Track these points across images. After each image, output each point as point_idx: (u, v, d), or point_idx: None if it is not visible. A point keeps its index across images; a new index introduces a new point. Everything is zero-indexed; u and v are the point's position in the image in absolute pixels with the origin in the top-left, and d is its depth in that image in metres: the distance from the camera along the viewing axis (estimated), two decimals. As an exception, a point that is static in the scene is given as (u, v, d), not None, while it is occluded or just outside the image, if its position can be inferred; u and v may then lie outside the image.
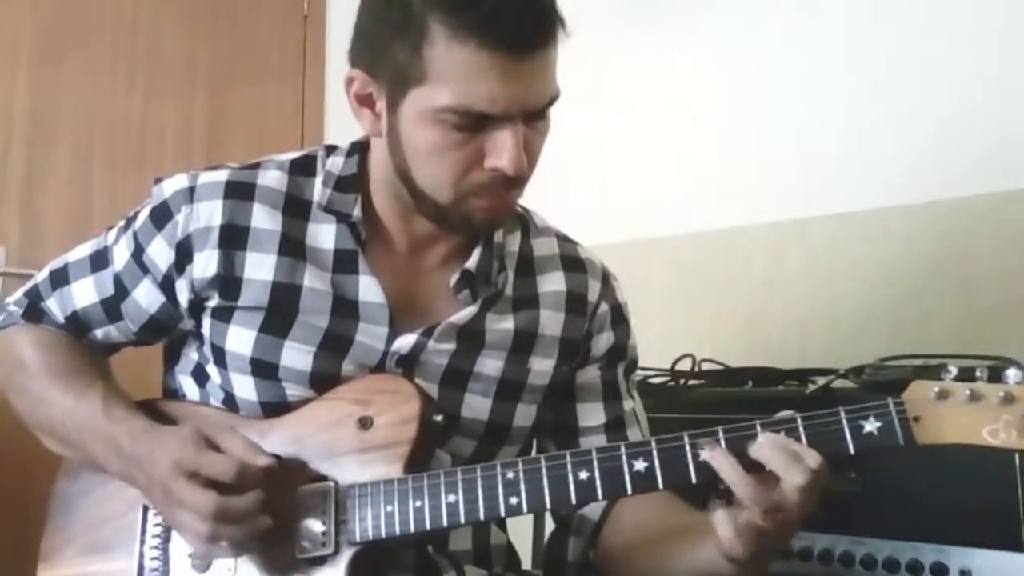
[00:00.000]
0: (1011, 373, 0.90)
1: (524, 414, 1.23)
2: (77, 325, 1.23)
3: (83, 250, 1.25)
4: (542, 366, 1.23)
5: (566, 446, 1.20)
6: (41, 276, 1.26)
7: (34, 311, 1.24)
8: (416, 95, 1.04)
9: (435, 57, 1.02)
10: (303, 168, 1.20)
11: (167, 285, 1.17)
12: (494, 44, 1.00)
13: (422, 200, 1.11)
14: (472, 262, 1.18)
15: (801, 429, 0.96)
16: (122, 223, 1.24)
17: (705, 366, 1.74)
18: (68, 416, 1.17)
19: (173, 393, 1.26)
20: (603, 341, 1.27)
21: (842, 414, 0.95)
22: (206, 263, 1.14)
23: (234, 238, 1.15)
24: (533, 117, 1.06)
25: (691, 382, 1.70)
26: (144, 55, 2.80)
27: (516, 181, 1.07)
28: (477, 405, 1.19)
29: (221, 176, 1.17)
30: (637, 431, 1.28)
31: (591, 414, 1.26)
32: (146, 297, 1.19)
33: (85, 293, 1.22)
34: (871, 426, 0.94)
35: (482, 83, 1.01)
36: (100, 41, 2.74)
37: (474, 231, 1.16)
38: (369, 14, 1.09)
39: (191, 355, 1.23)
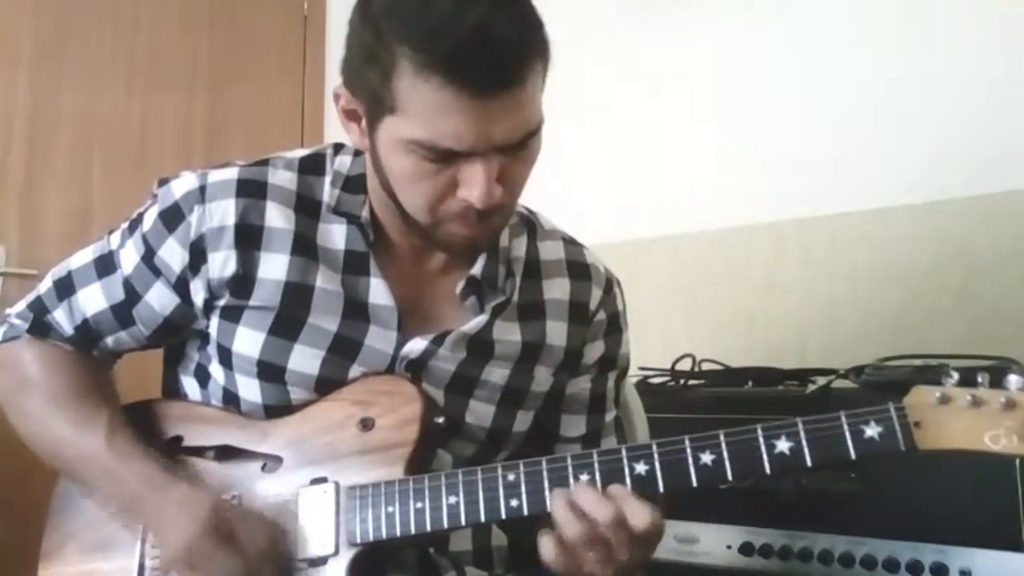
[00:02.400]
0: (1012, 379, 0.90)
1: (524, 419, 1.23)
2: (87, 334, 1.21)
3: (85, 256, 1.22)
4: (545, 375, 1.23)
5: (542, 450, 1.21)
6: (44, 286, 1.22)
7: (40, 325, 1.21)
8: (389, 123, 1.02)
9: (402, 89, 0.99)
10: (312, 167, 1.19)
11: (181, 286, 1.16)
12: (458, 83, 0.96)
13: (407, 218, 1.10)
14: (477, 269, 1.17)
15: (802, 433, 0.96)
16: (125, 226, 1.21)
17: (705, 366, 1.74)
18: (69, 445, 1.15)
19: (175, 393, 1.25)
20: (594, 351, 1.26)
21: (843, 419, 0.94)
22: (223, 263, 1.13)
23: (249, 237, 1.13)
24: (512, 148, 1.03)
25: (691, 382, 1.71)
26: (144, 55, 2.80)
27: (492, 211, 1.05)
28: (481, 411, 1.19)
29: (231, 174, 1.15)
30: (612, 440, 1.29)
31: (573, 425, 1.27)
32: (159, 300, 1.17)
33: (94, 300, 1.19)
34: (872, 431, 0.93)
35: (447, 121, 0.98)
36: (100, 41, 2.74)
37: (455, 254, 1.15)
38: (350, 33, 1.07)
39: (193, 355, 1.23)
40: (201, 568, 1.05)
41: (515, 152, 1.04)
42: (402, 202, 1.08)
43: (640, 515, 0.97)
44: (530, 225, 1.27)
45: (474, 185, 1.01)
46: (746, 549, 1.44)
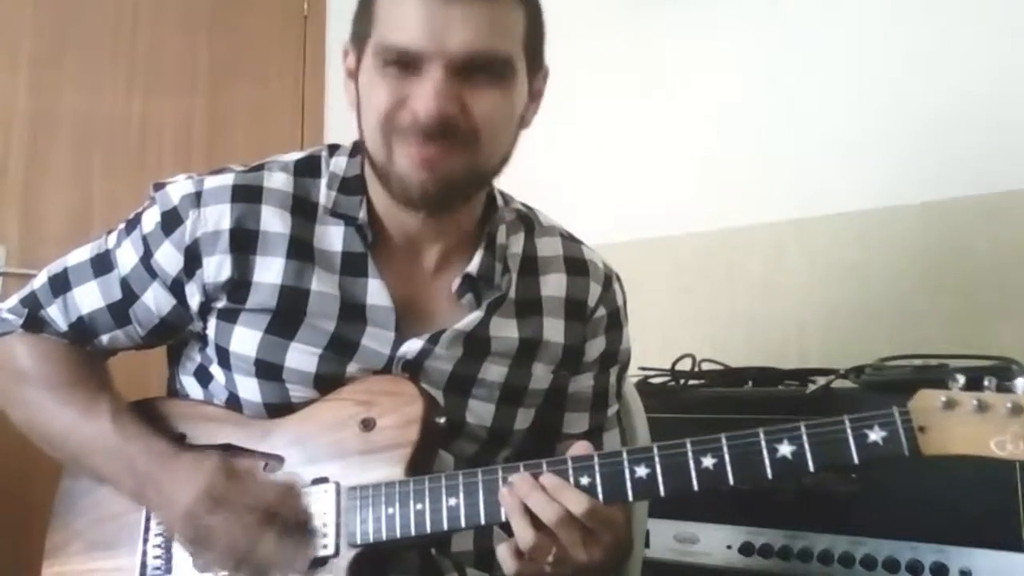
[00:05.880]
0: (1020, 383, 0.88)
1: (524, 417, 1.23)
2: (82, 331, 1.21)
3: (82, 254, 1.23)
4: (544, 372, 1.23)
5: (545, 446, 1.22)
6: (39, 282, 1.23)
7: (34, 320, 1.21)
8: (368, 48, 1.09)
9: (378, 6, 1.08)
10: (308, 169, 1.19)
11: (177, 289, 1.16)
12: None
13: (373, 167, 1.13)
14: (473, 266, 1.18)
15: (804, 437, 0.95)
16: (122, 226, 1.22)
17: (705, 366, 1.74)
18: (73, 431, 1.16)
19: (177, 393, 1.26)
20: (595, 347, 1.26)
21: (846, 423, 0.94)
22: (218, 267, 1.14)
23: (245, 242, 1.14)
24: (473, 71, 1.05)
25: (691, 382, 1.71)
26: (144, 55, 2.80)
27: (442, 131, 1.05)
28: (481, 410, 1.19)
29: (227, 180, 1.16)
30: (614, 434, 1.30)
31: (576, 422, 1.27)
32: (156, 300, 1.18)
33: (90, 298, 1.20)
34: (876, 435, 0.92)
35: (404, 18, 1.04)
36: (100, 41, 2.74)
37: (412, 194, 1.10)
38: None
39: (194, 356, 1.23)
40: (207, 526, 1.06)
41: (476, 76, 1.06)
42: (363, 132, 1.11)
43: (575, 501, 0.98)
44: (528, 222, 1.27)
45: (419, 96, 1.05)
46: (746, 549, 1.44)
